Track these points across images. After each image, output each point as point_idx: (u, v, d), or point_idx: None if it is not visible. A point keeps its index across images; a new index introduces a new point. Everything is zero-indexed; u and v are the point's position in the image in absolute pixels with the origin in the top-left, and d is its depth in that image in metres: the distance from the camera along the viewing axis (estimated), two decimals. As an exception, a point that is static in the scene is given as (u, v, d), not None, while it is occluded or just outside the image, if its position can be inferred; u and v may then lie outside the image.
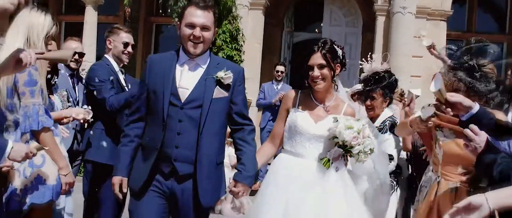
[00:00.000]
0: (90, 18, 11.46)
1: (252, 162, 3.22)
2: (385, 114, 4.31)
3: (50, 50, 3.96)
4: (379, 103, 4.29)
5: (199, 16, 3.04)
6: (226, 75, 3.09)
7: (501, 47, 12.49)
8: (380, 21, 10.56)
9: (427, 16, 10.48)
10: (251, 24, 10.57)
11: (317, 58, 3.27)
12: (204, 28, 3.05)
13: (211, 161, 3.12)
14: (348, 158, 3.30)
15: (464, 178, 3.11)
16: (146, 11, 13.29)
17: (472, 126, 2.48)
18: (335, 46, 3.35)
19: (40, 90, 3.20)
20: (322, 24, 12.70)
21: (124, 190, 3.15)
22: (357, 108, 3.73)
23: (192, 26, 3.03)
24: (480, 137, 2.44)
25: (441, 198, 3.24)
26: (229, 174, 5.84)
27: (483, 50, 3.12)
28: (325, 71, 3.28)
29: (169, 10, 13.06)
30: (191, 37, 3.03)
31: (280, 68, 9.22)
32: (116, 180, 3.14)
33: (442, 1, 10.64)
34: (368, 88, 4.30)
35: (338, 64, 3.34)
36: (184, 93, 3.08)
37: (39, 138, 3.19)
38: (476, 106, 2.67)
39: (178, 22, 3.14)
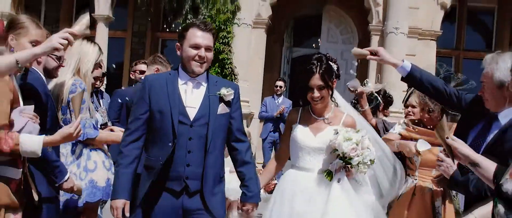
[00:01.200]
0: (102, 33, 12.09)
1: (254, 181, 3.32)
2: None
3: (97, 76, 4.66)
4: (368, 120, 5.02)
5: (203, 37, 3.13)
6: (228, 92, 3.20)
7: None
8: (375, 40, 11.19)
9: (418, 36, 11.13)
10: (254, 42, 11.22)
11: (316, 80, 3.35)
12: (207, 49, 3.15)
13: (216, 176, 3.20)
14: (351, 169, 3.35)
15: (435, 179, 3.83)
16: (153, 27, 13.97)
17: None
18: (331, 63, 3.43)
19: (88, 108, 3.91)
20: (319, 41, 13.37)
21: (127, 214, 3.11)
22: (356, 116, 3.86)
23: (197, 47, 3.12)
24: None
25: (420, 197, 3.96)
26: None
27: (448, 77, 3.85)
28: (324, 91, 3.39)
29: (173, 26, 13.86)
30: (196, 57, 3.13)
31: (280, 83, 9.93)
32: (119, 203, 3.08)
33: (432, 22, 11.32)
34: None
35: (335, 80, 3.46)
36: (191, 111, 3.15)
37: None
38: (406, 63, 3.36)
39: (178, 43, 3.22)
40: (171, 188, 3.11)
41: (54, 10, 14.26)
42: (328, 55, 3.48)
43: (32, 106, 2.95)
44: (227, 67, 10.76)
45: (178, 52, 3.21)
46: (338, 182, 3.31)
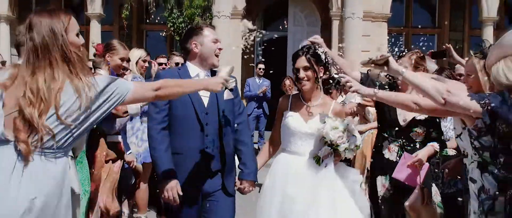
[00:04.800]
0: (95, 29, 13.58)
1: (251, 159, 3.52)
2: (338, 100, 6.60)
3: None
4: (334, 95, 6.54)
5: (217, 35, 3.50)
6: (230, 81, 3.34)
7: (433, 39, 15.24)
8: (335, 24, 12.91)
9: (371, 19, 12.89)
10: (232, 31, 12.82)
11: (302, 62, 3.53)
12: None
13: (231, 156, 3.47)
14: (338, 154, 3.48)
15: None
16: (138, 20, 15.45)
17: None
18: (318, 51, 3.57)
19: None
20: (286, 24, 15.02)
21: (180, 193, 3.24)
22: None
23: (216, 41, 3.45)
24: None
25: None
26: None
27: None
28: (309, 73, 3.52)
29: (152, 18, 15.34)
30: (217, 50, 3.45)
31: (262, 66, 11.35)
32: (173, 183, 3.23)
33: (383, 5, 13.11)
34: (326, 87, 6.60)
35: (322, 67, 3.57)
36: (204, 100, 3.40)
37: None
38: None
39: (195, 42, 3.43)
40: (195, 170, 3.33)
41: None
42: (317, 45, 3.67)
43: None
44: None
45: (196, 49, 3.43)
46: (325, 167, 3.45)
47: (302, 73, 3.54)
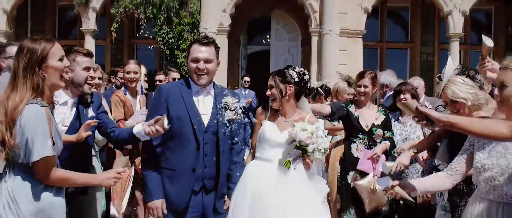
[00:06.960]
0: (89, 44, 14.36)
1: (237, 179, 3.53)
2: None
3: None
4: (322, 100, 7.22)
5: (202, 51, 3.31)
6: (233, 102, 3.44)
7: (405, 53, 16.34)
8: (314, 39, 13.86)
9: (347, 35, 13.89)
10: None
11: (269, 81, 3.76)
12: (207, 61, 3.32)
13: (226, 176, 3.49)
14: (307, 156, 3.57)
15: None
16: (128, 35, 16.28)
17: None
18: (289, 71, 3.72)
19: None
20: (269, 38, 15.94)
21: (165, 212, 3.32)
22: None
23: (196, 60, 3.31)
24: None
25: None
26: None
27: None
28: (274, 91, 3.70)
29: (141, 32, 16.16)
30: (196, 70, 3.30)
31: (247, 78, 12.23)
32: (158, 203, 3.30)
33: (358, 23, 14.12)
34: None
35: (291, 85, 3.68)
36: (205, 119, 3.37)
37: None
38: None
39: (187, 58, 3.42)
40: (191, 188, 3.34)
41: (39, 24, 16.34)
42: (294, 67, 3.83)
43: (145, 109, 5.44)
44: (181, 69, 13.14)
45: (188, 65, 3.47)
46: (294, 169, 3.57)
47: (268, 92, 3.79)
